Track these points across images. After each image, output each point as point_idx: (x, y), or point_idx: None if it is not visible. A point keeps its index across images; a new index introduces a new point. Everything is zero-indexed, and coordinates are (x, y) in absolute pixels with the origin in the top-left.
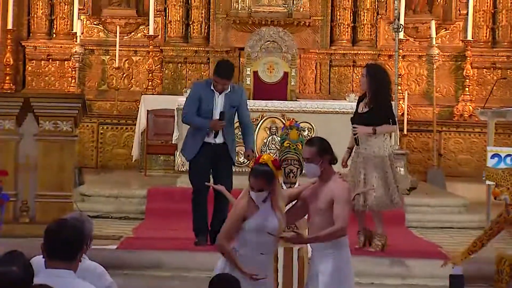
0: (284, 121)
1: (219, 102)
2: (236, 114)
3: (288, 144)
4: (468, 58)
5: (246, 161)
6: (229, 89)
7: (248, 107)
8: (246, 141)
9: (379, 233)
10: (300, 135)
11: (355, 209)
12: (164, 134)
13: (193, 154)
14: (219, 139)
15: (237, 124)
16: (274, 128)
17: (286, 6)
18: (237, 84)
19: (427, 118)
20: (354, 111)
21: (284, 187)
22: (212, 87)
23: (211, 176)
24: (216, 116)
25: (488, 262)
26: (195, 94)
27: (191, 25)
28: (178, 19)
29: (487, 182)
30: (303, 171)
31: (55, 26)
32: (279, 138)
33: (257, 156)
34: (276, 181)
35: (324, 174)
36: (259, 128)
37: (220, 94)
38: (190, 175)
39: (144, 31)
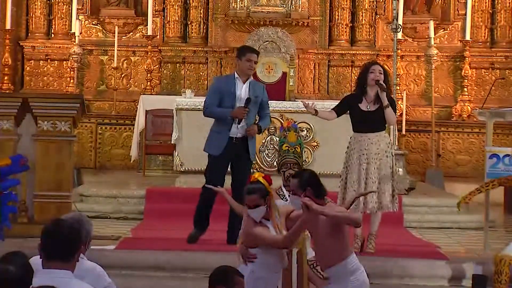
0: (282, 121)
1: (244, 90)
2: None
3: (287, 148)
4: (467, 58)
5: None
6: (251, 78)
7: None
8: (260, 121)
9: (373, 233)
10: (299, 137)
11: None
12: (163, 134)
13: (220, 150)
14: (242, 129)
15: None
16: (272, 128)
17: (284, 6)
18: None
19: (426, 119)
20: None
21: (284, 190)
22: (235, 77)
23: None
24: (242, 103)
25: (488, 262)
26: (215, 87)
27: (190, 25)
28: (177, 19)
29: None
30: None
31: (53, 26)
32: (277, 139)
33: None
34: (270, 197)
35: None
36: None
37: (244, 84)
38: (207, 169)
39: (143, 31)
